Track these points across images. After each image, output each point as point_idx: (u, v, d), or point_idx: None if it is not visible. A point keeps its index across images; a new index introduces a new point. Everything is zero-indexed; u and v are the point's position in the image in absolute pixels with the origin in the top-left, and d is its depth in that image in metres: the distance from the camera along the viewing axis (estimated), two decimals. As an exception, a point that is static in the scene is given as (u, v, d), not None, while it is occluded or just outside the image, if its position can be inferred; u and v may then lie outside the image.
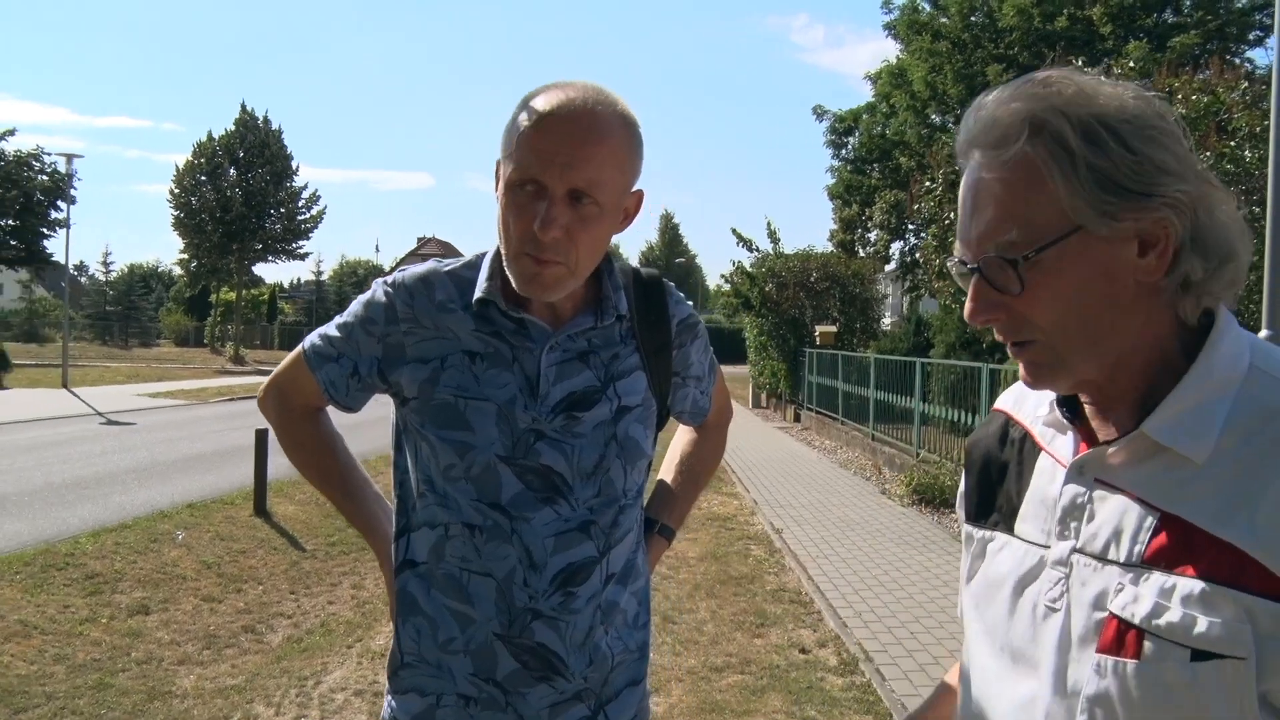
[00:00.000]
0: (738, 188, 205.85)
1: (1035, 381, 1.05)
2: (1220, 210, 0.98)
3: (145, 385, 25.65)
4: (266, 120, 47.09)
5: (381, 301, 1.64)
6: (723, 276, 25.04)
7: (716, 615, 6.24)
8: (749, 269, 22.86)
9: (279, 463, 9.02)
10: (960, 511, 1.28)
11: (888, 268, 32.89)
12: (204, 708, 4.68)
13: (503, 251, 1.54)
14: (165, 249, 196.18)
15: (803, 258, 23.24)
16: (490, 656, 1.57)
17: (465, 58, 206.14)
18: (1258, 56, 24.42)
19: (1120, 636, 0.94)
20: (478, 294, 1.59)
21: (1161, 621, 0.91)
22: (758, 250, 23.26)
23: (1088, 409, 1.09)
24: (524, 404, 1.56)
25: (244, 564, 7.34)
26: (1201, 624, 0.89)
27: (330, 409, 1.77)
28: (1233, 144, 9.30)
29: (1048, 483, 1.09)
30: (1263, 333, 6.87)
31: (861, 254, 31.02)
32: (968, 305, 1.04)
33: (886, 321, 29.90)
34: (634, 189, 1.57)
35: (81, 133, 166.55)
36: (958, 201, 1.07)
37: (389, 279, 1.67)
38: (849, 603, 6.53)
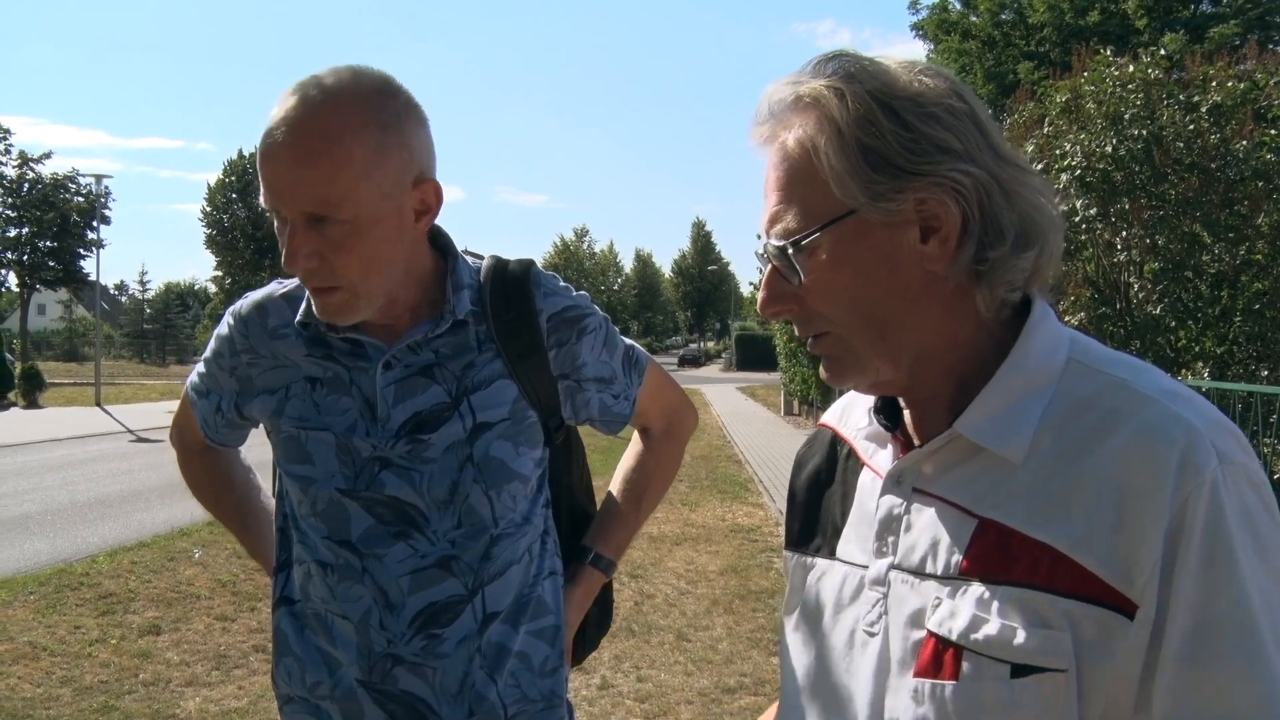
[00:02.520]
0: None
1: (833, 377, 0.98)
2: (1024, 196, 0.91)
3: (178, 402, 25.84)
4: (298, 137, 47.69)
5: (225, 334, 1.55)
6: (752, 284, 24.96)
7: (733, 632, 6.09)
8: (776, 275, 22.69)
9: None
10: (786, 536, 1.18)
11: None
12: (204, 732, 4.58)
13: None
14: (201, 267, 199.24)
15: (831, 262, 23.01)
16: (355, 704, 1.44)
17: (493, 69, 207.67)
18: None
19: (938, 656, 0.87)
20: (299, 316, 1.45)
21: (979, 635, 0.85)
22: (786, 255, 23.10)
23: (907, 417, 1.01)
24: (364, 430, 1.42)
25: (259, 581, 7.24)
26: (1020, 635, 0.83)
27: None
28: (1273, 132, 8.98)
29: (868, 498, 1.02)
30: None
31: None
32: (760, 296, 0.99)
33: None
34: (415, 183, 1.36)
35: (118, 154, 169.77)
36: None
37: (233, 308, 1.57)
38: (873, 617, 6.32)
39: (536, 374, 1.50)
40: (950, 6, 27.94)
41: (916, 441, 0.98)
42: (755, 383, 42.09)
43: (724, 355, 78.77)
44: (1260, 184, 8.67)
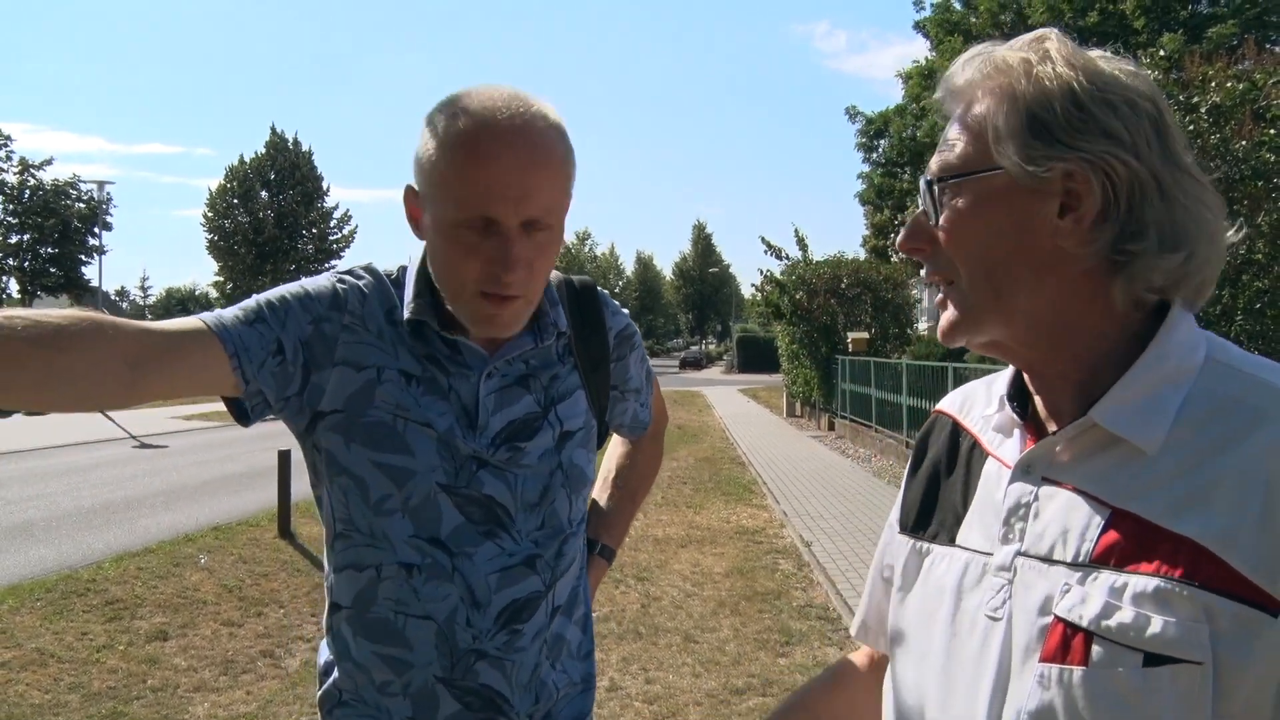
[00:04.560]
0: (770, 196, 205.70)
1: (948, 331, 1.02)
2: (1183, 202, 0.92)
3: (180, 408, 25.76)
4: (297, 142, 47.82)
5: (326, 287, 1.45)
6: (753, 286, 25.02)
7: (740, 633, 6.09)
8: (779, 277, 22.73)
9: (304, 483, 9.01)
10: (895, 518, 1.19)
11: (921, 272, 32.59)
12: (214, 737, 4.59)
13: (447, 292, 1.40)
14: (201, 272, 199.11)
15: (833, 264, 23.11)
16: (431, 699, 1.45)
17: (492, 74, 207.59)
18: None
19: (1066, 642, 0.88)
20: (407, 314, 1.44)
21: (1112, 623, 0.85)
22: (787, 258, 23.17)
23: (1038, 402, 1.02)
24: (461, 434, 1.43)
25: (265, 587, 7.27)
26: (1156, 624, 0.83)
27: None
28: (1272, 131, 9.02)
29: (994, 487, 1.03)
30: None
31: (895, 259, 30.74)
32: (902, 232, 1.05)
33: (922, 326, 29.64)
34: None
35: (117, 161, 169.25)
36: None
37: (347, 272, 1.50)
38: (879, 618, 6.31)
39: (600, 386, 1.60)
40: (951, 7, 27.97)
41: (1050, 429, 0.99)
42: (757, 385, 42.09)
43: (725, 357, 78.90)
44: (1260, 184, 8.70)
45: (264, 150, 46.68)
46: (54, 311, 1.19)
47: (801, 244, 23.42)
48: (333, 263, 48.10)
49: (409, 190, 1.41)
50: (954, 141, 0.99)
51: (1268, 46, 18.24)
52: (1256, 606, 0.81)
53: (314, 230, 46.97)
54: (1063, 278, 0.94)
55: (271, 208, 45.83)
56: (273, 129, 48.10)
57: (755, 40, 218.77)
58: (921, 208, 1.02)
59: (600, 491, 1.85)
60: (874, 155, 33.90)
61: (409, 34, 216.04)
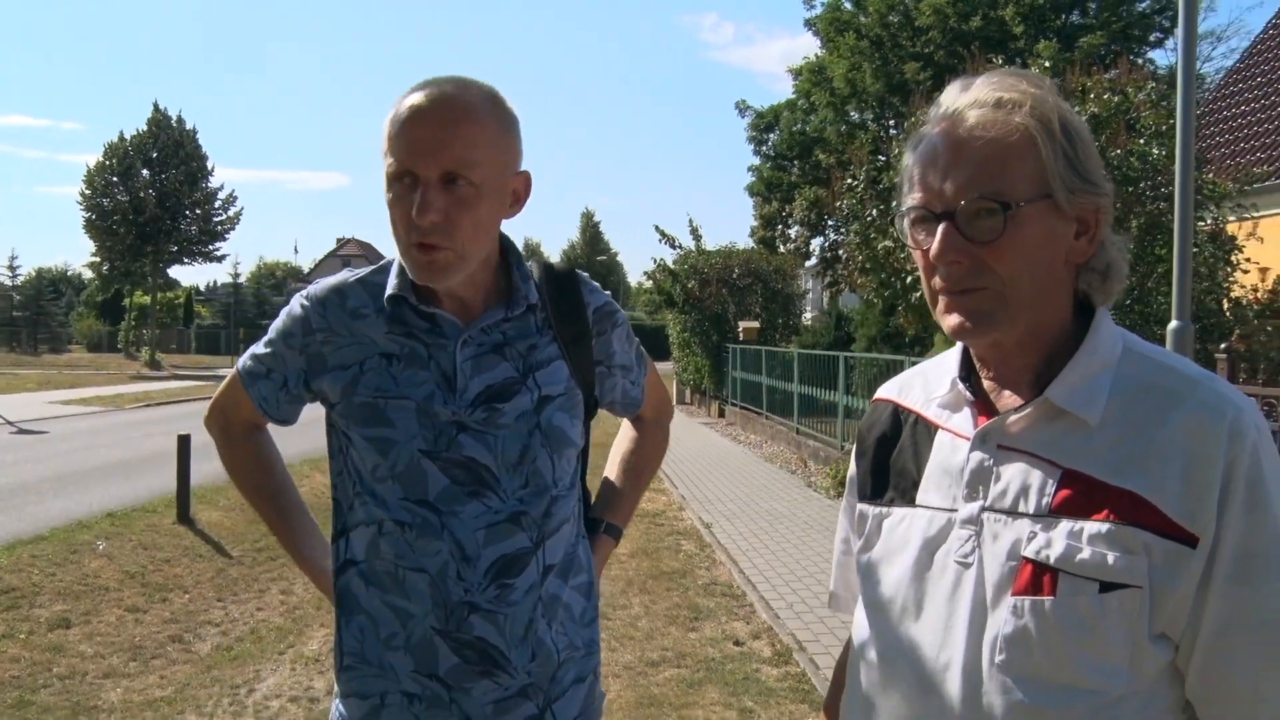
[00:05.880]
0: (657, 186, 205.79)
1: (974, 329, 1.15)
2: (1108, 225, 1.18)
3: (57, 392, 24.71)
4: (180, 120, 45.82)
5: (298, 315, 1.68)
6: (646, 274, 25.28)
7: (650, 610, 6.32)
8: (672, 266, 23.03)
9: (202, 469, 8.84)
10: (851, 495, 1.40)
11: (808, 263, 33.38)
12: (133, 720, 4.58)
13: (398, 246, 1.57)
14: (75, 252, 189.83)
15: (725, 254, 23.50)
16: (430, 651, 1.58)
17: (375, 57, 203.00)
18: (1158, 57, 25.47)
19: (1036, 578, 1.09)
20: (389, 290, 1.62)
21: (1075, 560, 1.07)
22: (681, 247, 23.47)
23: (986, 385, 1.23)
24: (442, 399, 1.59)
25: (169, 573, 7.18)
26: (1109, 559, 1.05)
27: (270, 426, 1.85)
28: (1141, 141, 9.67)
29: (950, 454, 1.23)
30: (1173, 324, 7.12)
31: (782, 250, 31.38)
32: (936, 245, 1.13)
33: (807, 316, 30.34)
34: (518, 170, 1.61)
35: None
36: (915, 166, 1.18)
37: (305, 292, 1.71)
38: (780, 594, 6.64)
39: (583, 358, 1.73)
40: (841, 6, 28.60)
41: (999, 405, 1.20)
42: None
43: (615, 345, 78.78)
44: (1130, 190, 9.31)
45: (145, 128, 44.72)
46: (279, 466, 1.93)
47: (695, 234, 23.79)
48: (216, 245, 46.45)
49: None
50: (997, 167, 1.11)
51: (1133, 58, 19.33)
52: (1181, 542, 1.05)
53: (198, 211, 45.13)
54: (1067, 288, 1.17)
55: (153, 187, 43.73)
56: (155, 106, 46.07)
57: (643, 30, 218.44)
58: (945, 225, 1.13)
59: (608, 474, 1.99)
60: (764, 148, 34.46)
61: (292, 12, 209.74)
